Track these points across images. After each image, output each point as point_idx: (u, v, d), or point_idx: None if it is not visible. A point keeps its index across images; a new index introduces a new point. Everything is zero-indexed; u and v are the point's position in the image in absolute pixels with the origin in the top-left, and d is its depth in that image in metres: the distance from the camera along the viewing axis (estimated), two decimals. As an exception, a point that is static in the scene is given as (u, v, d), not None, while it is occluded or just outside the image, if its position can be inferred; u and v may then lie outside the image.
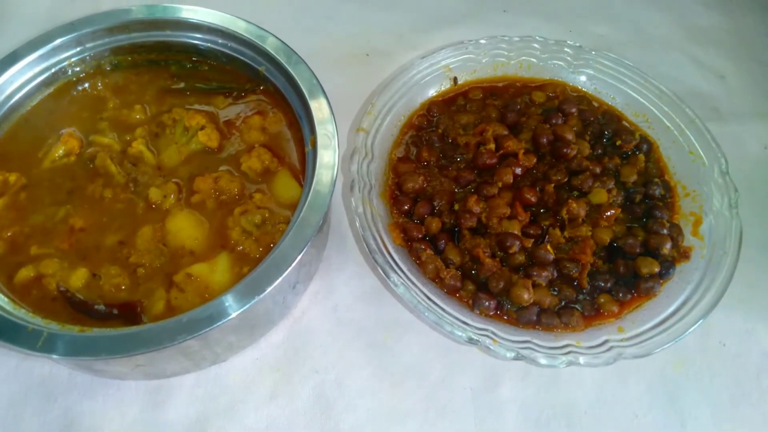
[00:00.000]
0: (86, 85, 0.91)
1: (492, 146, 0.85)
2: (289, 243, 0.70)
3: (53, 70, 0.89)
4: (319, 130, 0.79)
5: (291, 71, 0.84)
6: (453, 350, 0.84)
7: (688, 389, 0.83)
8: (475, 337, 0.71)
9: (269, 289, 0.67)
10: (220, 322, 0.65)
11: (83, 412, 0.78)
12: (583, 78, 1.01)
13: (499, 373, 0.83)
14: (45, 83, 0.89)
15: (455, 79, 0.96)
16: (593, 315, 0.79)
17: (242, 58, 0.90)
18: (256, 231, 0.78)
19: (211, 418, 0.79)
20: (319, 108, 0.81)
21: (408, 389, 0.82)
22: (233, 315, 0.66)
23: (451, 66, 0.95)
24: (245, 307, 0.66)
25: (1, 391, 0.80)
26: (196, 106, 0.89)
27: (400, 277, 0.74)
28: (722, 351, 0.87)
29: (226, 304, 0.66)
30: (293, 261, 0.69)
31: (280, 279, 0.68)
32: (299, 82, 0.83)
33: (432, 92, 0.95)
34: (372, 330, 0.86)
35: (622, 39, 1.26)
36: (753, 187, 1.00)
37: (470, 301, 0.77)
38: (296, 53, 0.86)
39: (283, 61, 0.85)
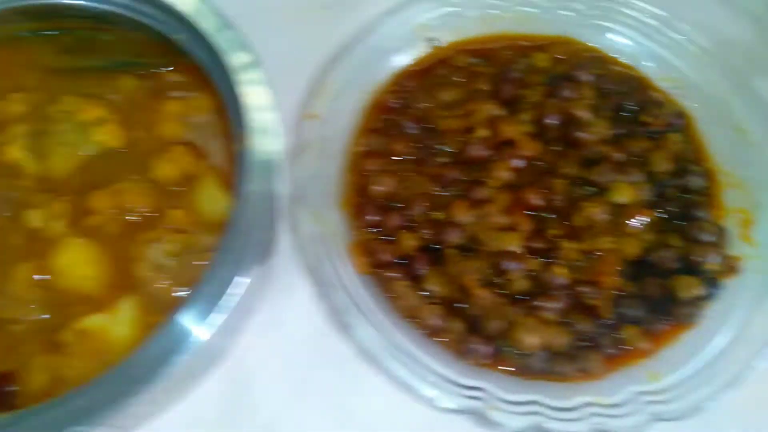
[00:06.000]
0: (-55, 66, 0.69)
1: (484, 132, 0.64)
2: (220, 279, 0.51)
3: None
4: (255, 122, 0.58)
5: (215, 40, 0.62)
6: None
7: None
8: (463, 406, 0.53)
9: (193, 348, 0.49)
10: (128, 403, 0.47)
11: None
12: (599, 34, 0.79)
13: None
14: None
15: (434, 41, 0.73)
16: (617, 355, 0.61)
17: (151, 23, 0.67)
18: (173, 264, 0.58)
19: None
20: (253, 92, 0.60)
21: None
22: (147, 389, 0.47)
23: (428, 24, 0.72)
24: (160, 377, 0.48)
25: None
26: (94, 92, 0.67)
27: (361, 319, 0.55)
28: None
29: (136, 371, 0.48)
30: (229, 305, 0.50)
31: (210, 333, 0.50)
32: (225, 54, 0.61)
33: (404, 60, 0.72)
34: (328, 379, 0.67)
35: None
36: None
37: (457, 346, 0.58)
38: (221, 14, 0.64)
39: (205, 27, 0.63)
